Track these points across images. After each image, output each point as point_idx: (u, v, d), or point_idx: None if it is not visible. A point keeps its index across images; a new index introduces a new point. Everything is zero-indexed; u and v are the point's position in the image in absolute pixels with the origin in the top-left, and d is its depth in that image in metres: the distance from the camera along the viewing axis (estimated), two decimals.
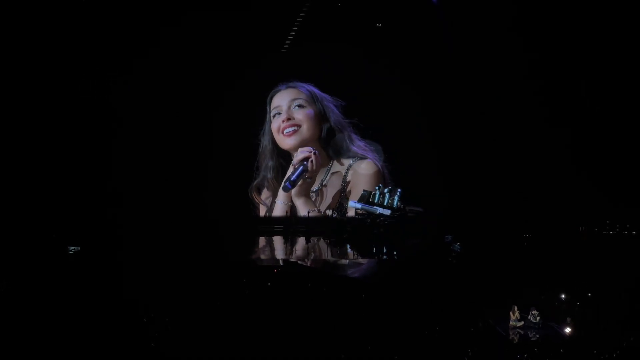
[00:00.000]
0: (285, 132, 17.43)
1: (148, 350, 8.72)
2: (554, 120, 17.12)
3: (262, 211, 18.10)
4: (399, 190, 18.09)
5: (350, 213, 17.70)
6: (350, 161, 18.19)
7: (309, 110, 18.49)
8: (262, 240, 17.71)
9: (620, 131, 16.90)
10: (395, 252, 15.55)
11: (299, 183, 17.59)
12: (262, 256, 15.83)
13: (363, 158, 18.26)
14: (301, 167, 17.82)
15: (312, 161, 17.89)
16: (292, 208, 18.04)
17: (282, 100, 18.20)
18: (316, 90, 19.39)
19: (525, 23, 16.66)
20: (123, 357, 8.67)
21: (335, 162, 18.05)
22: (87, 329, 9.18)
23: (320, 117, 18.69)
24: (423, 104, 18.18)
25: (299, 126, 17.60)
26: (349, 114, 17.95)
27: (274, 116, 17.76)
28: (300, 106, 18.62)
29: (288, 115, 17.88)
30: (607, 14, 16.63)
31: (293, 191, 17.83)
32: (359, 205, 17.36)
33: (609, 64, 17.21)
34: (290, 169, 17.36)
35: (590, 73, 17.53)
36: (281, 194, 18.07)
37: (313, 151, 18.11)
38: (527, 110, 16.97)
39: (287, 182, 17.31)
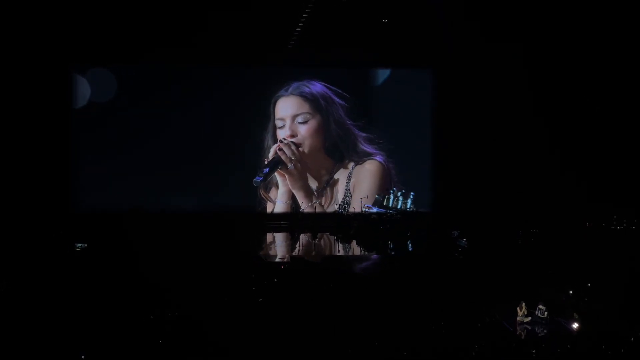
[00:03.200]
0: None
1: (156, 346, 8.74)
2: (561, 120, 17.15)
3: (270, 208, 18.19)
4: (412, 193, 18.13)
5: (352, 210, 17.77)
6: (353, 163, 18.31)
7: (312, 124, 18.71)
8: (269, 237, 17.78)
9: (627, 127, 16.94)
10: (401, 248, 15.59)
11: (293, 178, 17.60)
12: (270, 252, 15.89)
13: (368, 157, 18.40)
14: (273, 162, 17.99)
15: (282, 151, 18.12)
16: (293, 207, 18.13)
17: (286, 112, 18.37)
18: (322, 90, 19.40)
19: (526, 26, 16.71)
20: (131, 353, 8.69)
21: (339, 164, 18.21)
22: (94, 325, 9.23)
23: (324, 127, 18.95)
24: (430, 105, 18.29)
25: (302, 142, 17.82)
26: (356, 115, 18.02)
27: (278, 125, 17.92)
28: (303, 119, 18.87)
29: (292, 131, 18.12)
30: (609, 15, 16.70)
31: (292, 184, 17.98)
32: (373, 210, 17.42)
33: (612, 65, 17.25)
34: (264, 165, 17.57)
35: (594, 74, 17.63)
36: (281, 193, 18.22)
37: (281, 141, 18.22)
38: (536, 110, 17.01)
39: (257, 176, 17.47)
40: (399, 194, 16.50)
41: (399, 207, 16.30)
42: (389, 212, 16.26)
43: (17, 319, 9.38)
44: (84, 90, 17.68)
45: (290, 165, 16.95)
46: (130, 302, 9.76)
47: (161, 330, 8.93)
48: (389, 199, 16.47)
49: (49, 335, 8.78)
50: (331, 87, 17.56)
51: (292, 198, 17.30)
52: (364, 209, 16.67)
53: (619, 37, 16.28)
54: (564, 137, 16.82)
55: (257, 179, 16.76)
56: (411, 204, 16.39)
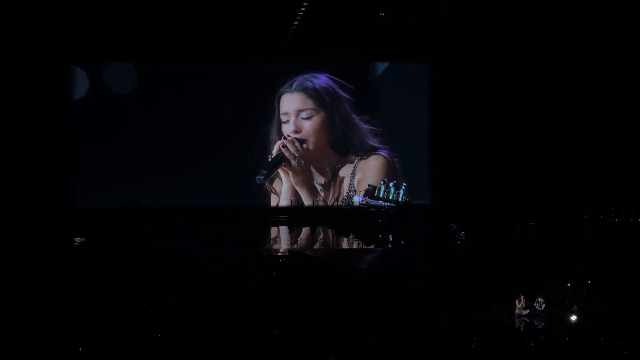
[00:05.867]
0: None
1: (155, 341, 8.75)
2: (560, 113, 17.15)
3: (275, 201, 18.17)
4: (404, 184, 18.17)
5: (353, 204, 17.80)
6: (358, 157, 18.30)
7: (316, 119, 18.73)
8: (268, 230, 17.80)
9: (626, 123, 16.95)
10: (400, 241, 15.59)
11: (295, 173, 17.58)
12: (268, 246, 15.90)
13: (373, 152, 18.41)
14: (276, 159, 17.99)
15: (286, 147, 18.15)
16: (297, 202, 18.15)
17: (290, 107, 18.35)
18: (326, 84, 19.32)
19: (529, 25, 16.69)
20: (129, 349, 8.71)
21: (344, 159, 18.19)
22: (95, 320, 9.25)
23: (328, 122, 18.94)
24: (432, 103, 18.29)
25: (307, 139, 17.80)
26: (362, 108, 18.01)
27: (283, 120, 17.92)
28: (308, 115, 18.86)
29: (296, 127, 18.12)
30: (608, 15, 16.69)
31: (296, 181, 18.00)
32: (363, 200, 17.45)
33: (609, 62, 17.24)
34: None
35: (595, 72, 17.62)
36: (284, 189, 18.23)
37: (285, 137, 18.18)
38: (534, 105, 17.00)
39: (260, 174, 17.45)
40: (390, 184, 16.49)
41: (390, 197, 16.29)
42: (383, 204, 16.24)
43: (16, 313, 9.41)
44: (84, 86, 17.72)
45: (294, 162, 16.95)
46: (128, 298, 9.76)
47: (159, 326, 8.92)
48: (379, 189, 16.47)
49: (46, 329, 8.80)
50: (337, 79, 17.52)
51: (296, 194, 17.30)
52: (360, 202, 16.67)
53: (617, 37, 16.30)
54: (563, 130, 16.83)
55: (260, 177, 16.78)
56: (403, 194, 16.38)
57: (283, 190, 17.25)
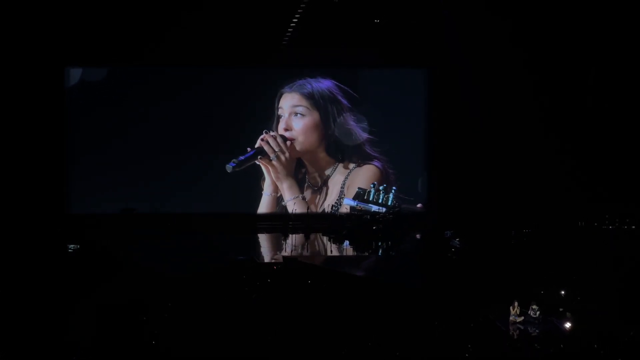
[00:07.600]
0: None
1: (148, 348, 8.73)
2: (555, 120, 17.19)
3: (266, 207, 18.20)
4: (393, 188, 18.23)
5: (345, 210, 17.84)
6: (354, 164, 18.35)
7: (307, 120, 18.77)
8: (263, 237, 17.83)
9: (621, 128, 16.98)
10: (394, 248, 15.65)
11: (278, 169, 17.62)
12: (262, 253, 15.91)
13: (367, 162, 18.52)
14: (253, 151, 18.05)
15: (266, 141, 18.16)
16: (279, 200, 18.21)
17: (286, 104, 18.46)
18: (327, 88, 19.28)
19: (529, 25, 16.74)
20: (123, 354, 8.69)
21: (339, 165, 18.24)
22: (89, 326, 9.22)
23: (322, 125, 18.98)
24: (427, 106, 18.34)
25: (295, 138, 17.84)
26: (363, 117, 18.03)
27: (279, 116, 18.02)
28: (300, 114, 18.92)
29: (287, 124, 18.20)
30: (605, 16, 16.73)
31: (275, 176, 18.01)
32: (353, 203, 17.50)
33: (611, 66, 17.31)
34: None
35: (593, 75, 17.67)
36: (266, 184, 18.27)
37: (266, 132, 18.22)
38: (529, 111, 17.04)
39: (231, 162, 17.43)
40: (380, 188, 16.54)
41: (380, 201, 16.35)
42: (373, 207, 16.28)
43: (11, 318, 9.39)
44: (80, 91, 17.72)
45: (272, 157, 17.08)
46: (122, 304, 9.75)
47: (153, 332, 8.91)
48: (369, 192, 16.51)
49: (40, 334, 8.79)
50: (342, 86, 17.55)
51: (277, 190, 17.40)
52: (350, 204, 16.69)
53: (616, 39, 16.35)
54: (556, 136, 16.85)
55: (230, 165, 16.77)
56: (393, 199, 16.45)
57: (265, 185, 17.40)
